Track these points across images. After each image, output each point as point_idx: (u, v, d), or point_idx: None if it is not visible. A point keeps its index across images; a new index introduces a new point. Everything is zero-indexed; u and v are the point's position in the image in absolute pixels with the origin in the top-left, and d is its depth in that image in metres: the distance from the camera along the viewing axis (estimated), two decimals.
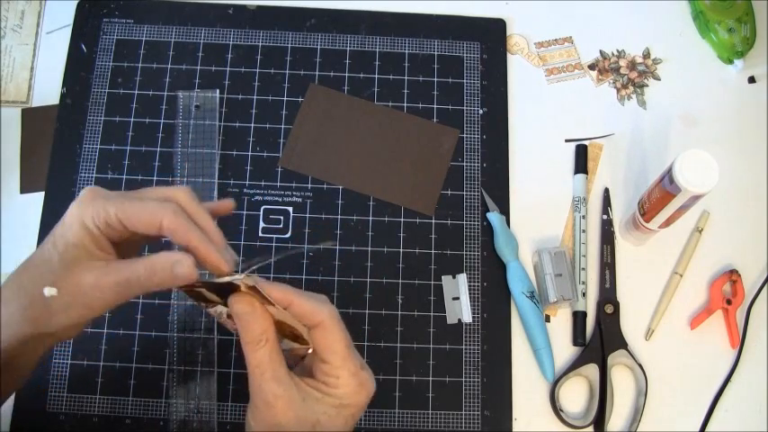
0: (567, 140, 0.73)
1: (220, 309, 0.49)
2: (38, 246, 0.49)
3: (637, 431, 0.64)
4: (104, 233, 0.46)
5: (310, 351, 0.50)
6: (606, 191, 0.71)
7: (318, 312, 0.46)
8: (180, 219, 0.46)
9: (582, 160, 0.71)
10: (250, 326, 0.45)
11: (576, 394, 0.66)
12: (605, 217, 0.70)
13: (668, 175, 0.59)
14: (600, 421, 0.64)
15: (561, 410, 0.64)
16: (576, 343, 0.66)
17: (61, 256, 0.45)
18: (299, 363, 0.51)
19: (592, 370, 0.65)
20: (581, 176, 0.71)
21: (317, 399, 0.46)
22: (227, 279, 0.45)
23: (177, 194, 0.47)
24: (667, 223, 0.64)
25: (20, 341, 0.47)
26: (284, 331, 0.49)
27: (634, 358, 0.65)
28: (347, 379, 0.47)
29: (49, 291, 0.44)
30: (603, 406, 0.64)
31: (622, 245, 0.70)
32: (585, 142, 0.72)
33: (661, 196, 0.61)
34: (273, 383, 0.45)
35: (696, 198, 0.59)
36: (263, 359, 0.45)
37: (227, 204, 0.52)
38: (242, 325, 0.46)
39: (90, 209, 0.45)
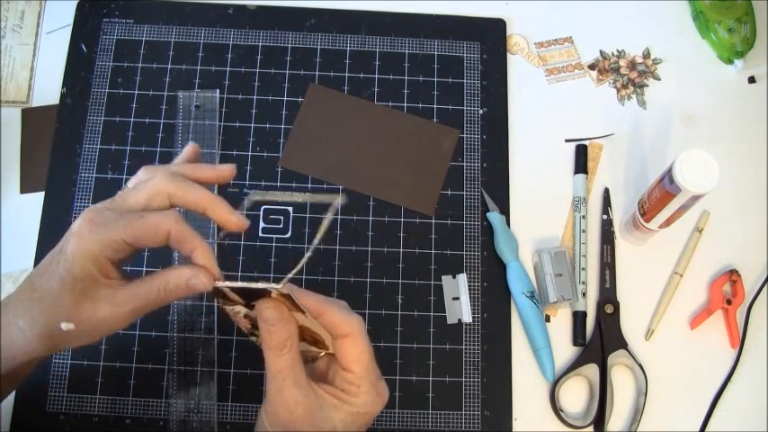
0: (567, 140, 0.73)
1: (238, 308, 0.49)
2: (35, 264, 0.51)
3: (637, 431, 0.64)
4: (110, 259, 0.46)
5: (322, 355, 0.50)
6: (606, 191, 0.71)
7: (348, 323, 0.47)
8: (183, 226, 0.47)
9: (582, 160, 0.71)
10: (277, 332, 0.46)
11: (575, 394, 0.66)
12: (605, 217, 0.70)
13: (668, 175, 0.59)
14: (600, 421, 0.64)
15: (561, 410, 0.64)
16: (576, 343, 0.66)
17: (70, 291, 0.46)
18: (309, 364, 0.51)
19: (592, 370, 0.65)
20: (581, 176, 0.71)
21: (334, 406, 0.47)
22: (263, 286, 0.44)
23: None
24: (667, 223, 0.64)
25: (37, 361, 0.49)
26: (305, 336, 0.49)
27: (634, 358, 0.65)
28: (367, 388, 0.47)
29: (66, 326, 0.46)
30: (603, 406, 0.64)
31: (622, 245, 0.70)
32: (585, 142, 0.72)
33: (661, 196, 0.61)
34: (295, 389, 0.46)
35: (696, 198, 0.59)
36: (285, 365, 0.46)
37: (228, 171, 0.52)
38: (268, 330, 0.46)
39: (95, 242, 0.45)
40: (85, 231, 0.46)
